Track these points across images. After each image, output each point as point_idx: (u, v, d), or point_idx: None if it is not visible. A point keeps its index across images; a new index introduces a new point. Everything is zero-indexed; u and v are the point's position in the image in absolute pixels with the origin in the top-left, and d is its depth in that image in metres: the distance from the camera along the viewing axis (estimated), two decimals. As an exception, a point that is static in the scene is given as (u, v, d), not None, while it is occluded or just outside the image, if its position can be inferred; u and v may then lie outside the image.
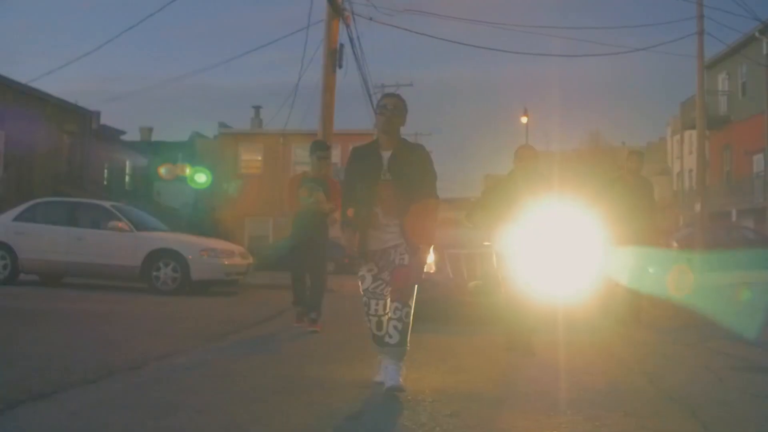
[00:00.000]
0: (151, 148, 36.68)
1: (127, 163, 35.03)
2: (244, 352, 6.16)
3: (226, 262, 12.73)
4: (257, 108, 39.59)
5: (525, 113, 36.69)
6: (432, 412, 3.84)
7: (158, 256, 12.35)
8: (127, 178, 35.22)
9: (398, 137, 4.62)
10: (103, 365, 5.04)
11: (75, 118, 28.53)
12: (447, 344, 6.56)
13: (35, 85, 24.47)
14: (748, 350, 6.45)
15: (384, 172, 4.48)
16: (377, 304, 4.50)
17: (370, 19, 15.89)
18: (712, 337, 7.27)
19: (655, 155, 44.62)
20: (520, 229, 6.10)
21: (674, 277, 8.03)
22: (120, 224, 12.59)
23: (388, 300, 4.49)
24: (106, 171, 32.70)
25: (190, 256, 12.29)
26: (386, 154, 4.52)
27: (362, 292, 4.56)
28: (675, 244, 23.59)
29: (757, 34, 27.11)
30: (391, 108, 4.56)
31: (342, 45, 15.22)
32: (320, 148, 8.01)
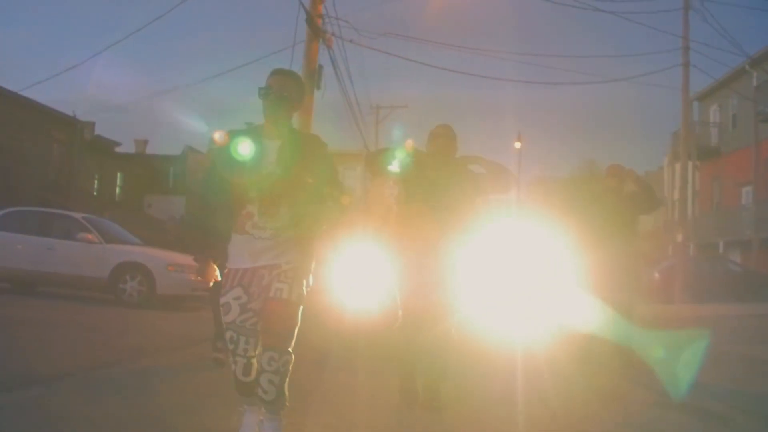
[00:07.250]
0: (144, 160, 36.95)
1: (119, 174, 35.26)
2: (163, 373, 6.12)
3: (193, 278, 12.83)
4: (250, 125, 39.73)
5: (518, 138, 37.06)
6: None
7: (126, 268, 12.53)
8: (118, 190, 35.43)
9: (289, 126, 3.81)
10: (27, 374, 5.25)
11: (66, 128, 28.76)
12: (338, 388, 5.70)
13: (27, 93, 24.66)
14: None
15: (269, 164, 3.63)
16: (247, 342, 3.59)
17: (351, 41, 16.15)
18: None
19: (653, 185, 44.30)
20: (437, 236, 4.76)
21: None
22: (89, 236, 12.77)
23: (260, 340, 3.61)
24: (96, 181, 32.91)
25: (155, 270, 12.44)
26: (272, 144, 3.67)
27: (226, 325, 3.62)
28: (657, 275, 23.64)
29: (747, 67, 27.29)
30: (277, 89, 3.68)
31: (321, 66, 15.40)
32: None
